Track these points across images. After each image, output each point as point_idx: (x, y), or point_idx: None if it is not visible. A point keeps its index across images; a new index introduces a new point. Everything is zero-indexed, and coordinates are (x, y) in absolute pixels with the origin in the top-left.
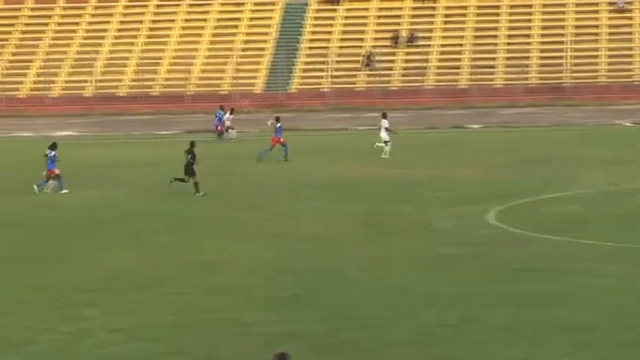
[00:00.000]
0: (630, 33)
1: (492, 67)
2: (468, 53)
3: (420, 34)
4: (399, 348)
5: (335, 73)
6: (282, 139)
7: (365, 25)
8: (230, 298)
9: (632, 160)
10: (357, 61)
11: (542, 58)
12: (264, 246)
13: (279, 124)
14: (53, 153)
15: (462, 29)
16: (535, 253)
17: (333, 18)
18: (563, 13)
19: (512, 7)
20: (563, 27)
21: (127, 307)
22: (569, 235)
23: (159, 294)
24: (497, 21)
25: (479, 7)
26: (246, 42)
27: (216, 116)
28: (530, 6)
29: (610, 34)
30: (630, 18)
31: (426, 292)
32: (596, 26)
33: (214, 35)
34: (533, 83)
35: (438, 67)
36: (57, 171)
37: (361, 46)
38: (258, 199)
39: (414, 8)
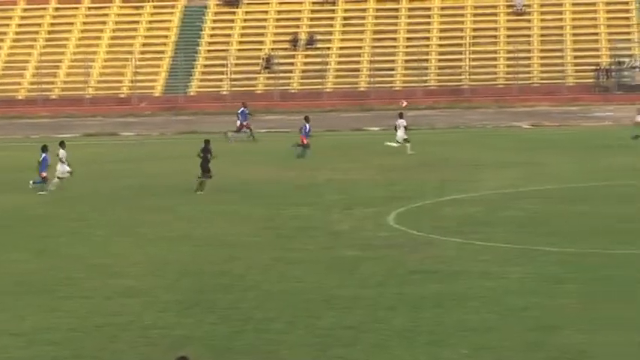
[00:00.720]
0: (529, 35)
1: (392, 69)
2: (367, 56)
3: (319, 37)
4: (299, 350)
5: (234, 76)
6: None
7: (264, 27)
8: (132, 302)
9: (529, 162)
10: (257, 64)
11: (441, 60)
12: (166, 249)
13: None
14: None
15: (362, 32)
16: (434, 255)
17: (232, 20)
18: (462, 15)
19: (411, 9)
20: (461, 29)
21: (28, 311)
22: (468, 237)
23: (61, 297)
24: (396, 24)
25: (378, 10)
26: (145, 45)
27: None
28: (429, 9)
29: (508, 36)
30: (528, 20)
31: (325, 294)
32: (495, 29)
33: (113, 38)
34: (432, 85)
35: (338, 70)
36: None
37: (261, 49)
38: (160, 201)
39: (313, 11)
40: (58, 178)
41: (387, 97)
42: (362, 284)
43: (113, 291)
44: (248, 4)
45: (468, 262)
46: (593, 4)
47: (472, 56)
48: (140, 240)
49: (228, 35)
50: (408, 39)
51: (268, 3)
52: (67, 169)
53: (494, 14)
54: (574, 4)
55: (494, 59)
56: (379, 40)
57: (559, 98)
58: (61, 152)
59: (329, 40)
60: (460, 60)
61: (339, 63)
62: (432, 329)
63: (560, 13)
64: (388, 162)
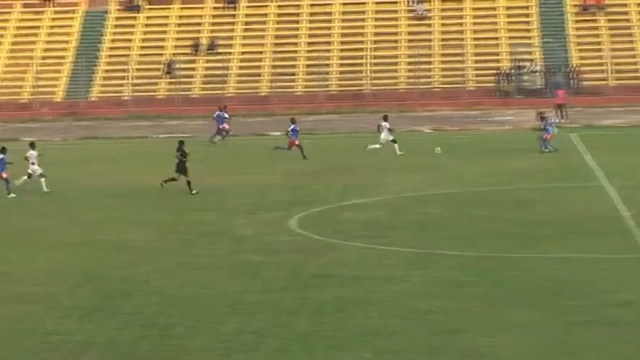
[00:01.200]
0: (429, 40)
1: (293, 74)
2: (269, 61)
3: (220, 42)
4: (202, 356)
5: (135, 81)
6: (296, 142)
7: (165, 32)
8: (33, 307)
9: (431, 166)
10: (158, 69)
11: (342, 65)
12: (67, 255)
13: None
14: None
15: (263, 37)
16: (336, 260)
17: (133, 25)
18: (363, 20)
19: (312, 14)
20: (363, 34)
21: None
22: (370, 241)
23: None
24: (297, 28)
25: (279, 15)
26: (46, 50)
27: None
28: (330, 13)
29: (409, 41)
30: (429, 25)
31: (229, 299)
32: (396, 33)
33: (14, 43)
34: (333, 90)
35: (239, 75)
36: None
37: (162, 54)
38: (60, 206)
39: (215, 16)
40: (29, 176)
41: (288, 102)
42: (265, 289)
43: (14, 297)
44: (149, 9)
45: (371, 267)
46: (494, 8)
47: (373, 61)
48: (40, 246)
49: (129, 40)
50: (309, 44)
51: (169, 8)
52: (38, 170)
53: (395, 19)
54: (474, 9)
55: (396, 64)
56: (280, 44)
57: (460, 102)
58: (30, 153)
59: (230, 45)
60: (361, 65)
61: (241, 68)
62: (334, 334)
63: (461, 17)
64: (292, 167)
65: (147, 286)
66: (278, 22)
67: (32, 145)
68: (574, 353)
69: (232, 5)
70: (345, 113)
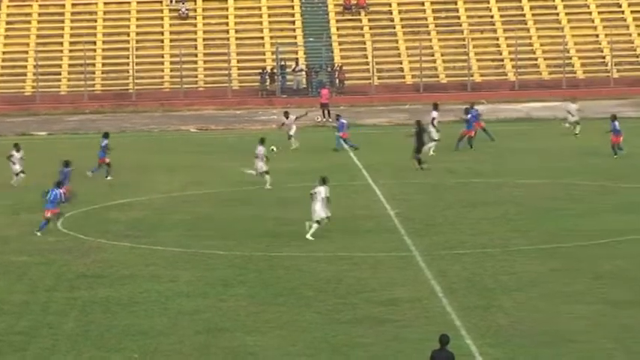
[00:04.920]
0: (194, 39)
1: (57, 74)
2: (32, 60)
3: None
4: None
5: None
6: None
7: None
8: None
9: (197, 166)
10: None
11: (105, 64)
12: None
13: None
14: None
15: (26, 36)
16: (103, 260)
17: None
18: (127, 19)
19: (74, 13)
20: (127, 34)
21: None
22: (137, 241)
23: None
24: (61, 27)
25: (41, 15)
26: None
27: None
28: (94, 12)
29: (173, 40)
30: (193, 24)
31: None
32: (160, 32)
33: None
34: (97, 90)
35: (2, 75)
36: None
37: None
38: None
39: None
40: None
41: (52, 102)
42: (32, 289)
43: None
44: None
45: (137, 266)
46: (258, 8)
47: (137, 60)
48: None
49: None
50: (72, 43)
51: None
52: (18, 169)
53: (160, 18)
54: (238, 9)
55: (160, 63)
56: (44, 44)
57: (224, 102)
58: (15, 154)
59: None
60: (126, 64)
61: (4, 67)
62: (102, 333)
63: (225, 17)
64: (54, 168)
65: None
66: (40, 22)
67: (16, 146)
68: (339, 351)
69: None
70: (109, 113)
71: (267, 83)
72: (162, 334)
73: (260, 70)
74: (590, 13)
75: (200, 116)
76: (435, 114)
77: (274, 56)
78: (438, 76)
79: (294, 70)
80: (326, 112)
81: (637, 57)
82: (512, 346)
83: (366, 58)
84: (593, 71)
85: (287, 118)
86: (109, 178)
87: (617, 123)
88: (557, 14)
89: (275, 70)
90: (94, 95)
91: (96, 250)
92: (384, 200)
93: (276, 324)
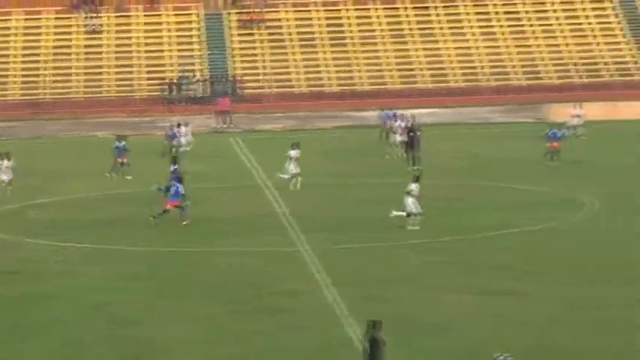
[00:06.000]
0: (100, 53)
1: None
2: None
3: None
4: None
5: None
6: None
7: None
8: None
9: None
10: None
11: (22, 75)
12: None
13: None
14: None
15: None
16: (21, 257)
17: None
18: (39, 34)
19: None
20: (39, 47)
21: None
22: (51, 238)
23: None
24: None
25: None
26: None
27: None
28: (8, 28)
29: (85, 53)
30: (101, 39)
31: None
32: (70, 46)
33: None
34: (14, 99)
35: None
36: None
37: None
38: None
39: None
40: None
41: None
42: None
43: None
44: None
45: (50, 263)
46: (160, 23)
47: (51, 71)
48: None
49: None
50: None
51: None
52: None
53: (69, 33)
54: (145, 24)
55: (70, 75)
56: None
57: (132, 110)
58: (5, 162)
59: None
60: (38, 75)
61: None
62: (17, 327)
63: (131, 31)
64: None
65: None
66: None
67: (6, 155)
68: (241, 339)
69: None
70: (25, 120)
71: (170, 93)
72: (75, 327)
73: (163, 81)
74: (462, 27)
75: (107, 123)
76: (293, 153)
77: (177, 67)
78: (325, 85)
79: (195, 81)
80: (228, 118)
81: (504, 67)
82: (396, 334)
83: (264, 69)
84: (468, 80)
85: (177, 129)
86: (129, 177)
87: (556, 131)
88: (432, 29)
89: (177, 81)
90: (9, 104)
91: (14, 247)
92: (277, 200)
93: (182, 316)
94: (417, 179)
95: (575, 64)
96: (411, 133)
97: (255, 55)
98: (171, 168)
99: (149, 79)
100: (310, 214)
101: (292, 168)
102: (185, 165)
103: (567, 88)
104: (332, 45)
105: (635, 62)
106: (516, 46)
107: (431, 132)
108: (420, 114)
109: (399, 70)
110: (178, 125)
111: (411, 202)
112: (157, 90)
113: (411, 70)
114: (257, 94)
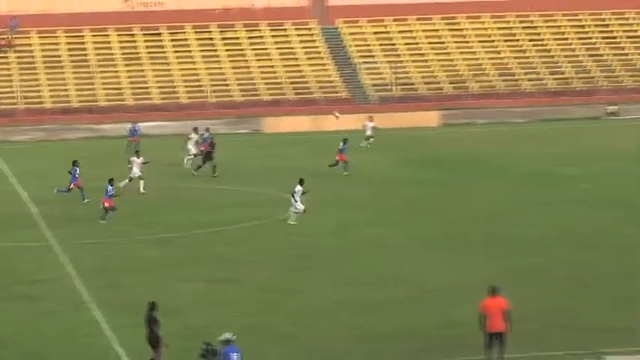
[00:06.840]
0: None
1: None
2: None
3: None
4: None
5: None
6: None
7: None
8: None
9: None
10: None
11: None
12: None
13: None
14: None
15: None
16: None
17: None
18: None
19: None
20: None
21: None
22: None
23: None
24: None
25: None
26: None
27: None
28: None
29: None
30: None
31: None
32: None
33: None
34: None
35: None
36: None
37: None
38: None
39: None
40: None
41: None
42: None
43: None
44: None
45: None
46: None
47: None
48: None
49: None
50: None
51: None
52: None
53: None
54: None
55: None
56: None
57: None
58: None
59: None
60: None
61: None
62: None
63: None
64: None
65: None
66: None
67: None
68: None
69: None
70: None
71: None
72: None
73: None
74: (190, 51)
75: None
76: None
77: None
78: (72, 102)
79: None
80: None
81: (226, 85)
82: (132, 316)
83: (12, 87)
84: (194, 97)
85: None
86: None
87: (346, 145)
88: (164, 52)
89: None
90: None
91: None
92: (30, 202)
93: None
94: (301, 182)
95: (285, 83)
96: (210, 148)
97: (8, 75)
98: None
99: None
100: (59, 214)
101: (136, 171)
102: None
103: (279, 104)
104: (74, 66)
105: (338, 81)
106: (234, 67)
107: (164, 142)
108: (151, 126)
109: (133, 88)
110: None
111: (295, 201)
112: None
113: (146, 88)
114: (9, 109)
